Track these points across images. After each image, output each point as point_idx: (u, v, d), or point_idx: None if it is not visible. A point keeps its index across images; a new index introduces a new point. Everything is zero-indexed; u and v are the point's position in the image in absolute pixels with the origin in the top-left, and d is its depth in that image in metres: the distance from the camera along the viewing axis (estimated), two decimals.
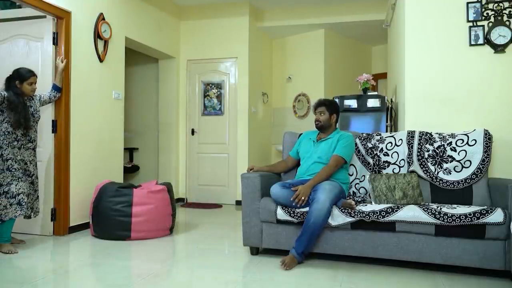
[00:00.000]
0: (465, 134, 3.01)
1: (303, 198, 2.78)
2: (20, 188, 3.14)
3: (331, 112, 3.15)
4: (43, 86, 3.65)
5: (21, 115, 3.19)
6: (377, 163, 3.16)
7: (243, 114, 5.54)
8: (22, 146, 3.25)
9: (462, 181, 2.91)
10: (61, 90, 3.57)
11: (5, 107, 3.14)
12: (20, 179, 3.16)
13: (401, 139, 3.15)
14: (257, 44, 5.82)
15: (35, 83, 3.31)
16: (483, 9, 3.18)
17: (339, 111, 3.26)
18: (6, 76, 3.22)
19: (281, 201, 2.87)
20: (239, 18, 5.53)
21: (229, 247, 3.37)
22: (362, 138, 3.28)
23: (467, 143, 2.96)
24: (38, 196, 3.41)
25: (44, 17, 3.65)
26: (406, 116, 3.38)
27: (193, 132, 5.72)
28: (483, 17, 3.18)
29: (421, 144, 3.07)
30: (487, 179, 2.92)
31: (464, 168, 2.93)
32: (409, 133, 3.15)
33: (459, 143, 2.99)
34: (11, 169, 3.13)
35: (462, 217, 2.50)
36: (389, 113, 4.02)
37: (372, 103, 4.03)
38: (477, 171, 2.89)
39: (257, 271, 2.69)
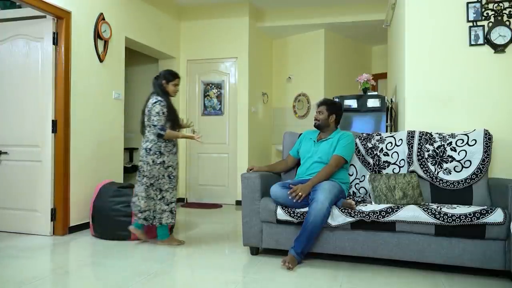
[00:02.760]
0: (465, 134, 3.01)
1: (300, 194, 2.78)
2: (173, 197, 3.29)
3: (330, 112, 3.15)
4: (43, 86, 3.66)
5: (178, 117, 3.35)
6: (377, 163, 3.16)
7: (243, 114, 5.54)
8: (177, 152, 3.37)
9: (462, 181, 2.91)
10: (161, 136, 3.23)
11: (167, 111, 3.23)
12: (175, 188, 3.31)
13: (401, 139, 3.15)
14: (257, 44, 5.82)
15: (178, 85, 3.39)
16: (483, 9, 3.18)
17: (340, 112, 3.24)
18: (6, 76, 3.22)
19: (281, 201, 2.87)
20: (239, 18, 5.53)
21: (229, 247, 3.37)
22: (362, 138, 3.28)
23: (467, 143, 2.96)
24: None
25: (44, 17, 3.65)
26: (406, 116, 3.38)
27: (193, 132, 5.72)
28: (483, 17, 3.18)
29: (421, 144, 3.07)
30: (487, 179, 2.92)
31: (464, 168, 2.93)
32: (409, 133, 3.15)
33: (459, 143, 2.99)
34: (170, 176, 3.26)
35: (462, 217, 2.50)
36: (389, 113, 4.02)
37: (372, 103, 4.03)
38: (477, 171, 2.89)
39: (257, 271, 2.69)
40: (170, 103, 3.31)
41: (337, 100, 4.08)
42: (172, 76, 3.34)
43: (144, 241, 3.39)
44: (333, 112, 3.16)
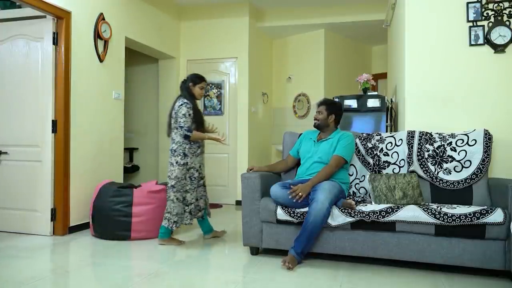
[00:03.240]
0: (465, 134, 3.01)
1: (300, 194, 2.78)
2: (193, 199, 3.37)
3: (329, 112, 3.15)
4: (43, 86, 3.66)
5: (203, 119, 3.43)
6: (377, 163, 3.16)
7: (243, 114, 5.54)
8: (201, 153, 3.45)
9: (462, 181, 2.91)
10: (188, 137, 3.31)
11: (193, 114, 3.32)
12: (195, 189, 3.39)
13: (401, 139, 3.15)
14: (257, 44, 5.82)
15: (204, 89, 3.49)
16: (483, 9, 3.18)
17: (340, 112, 3.23)
18: (6, 76, 3.23)
19: (281, 201, 2.87)
20: (239, 18, 5.53)
21: (229, 247, 3.37)
22: (362, 138, 3.28)
23: (467, 143, 2.96)
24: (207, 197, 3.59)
25: (44, 17, 3.65)
26: (406, 116, 3.38)
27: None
28: (483, 17, 3.18)
29: (421, 144, 3.07)
30: (487, 179, 2.92)
31: (464, 168, 2.93)
32: (409, 133, 3.15)
33: (459, 143, 2.99)
34: (192, 177, 3.36)
35: (462, 217, 2.50)
36: (389, 113, 4.02)
37: (372, 103, 4.03)
38: (477, 171, 2.89)
39: (257, 271, 2.69)
40: (196, 105, 3.40)
41: (337, 100, 4.08)
42: (198, 79, 3.44)
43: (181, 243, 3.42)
44: (333, 112, 3.16)
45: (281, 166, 3.35)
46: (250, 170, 3.19)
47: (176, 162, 3.30)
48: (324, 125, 3.16)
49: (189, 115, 3.28)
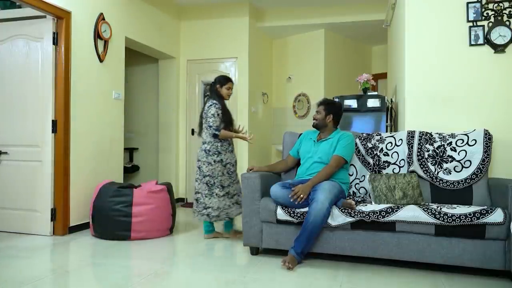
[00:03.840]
0: (465, 134, 3.01)
1: (301, 195, 2.78)
2: (235, 190, 3.59)
3: (327, 112, 3.15)
4: (43, 86, 3.66)
5: (231, 119, 3.63)
6: (377, 163, 3.16)
7: (243, 114, 5.54)
8: (233, 150, 3.66)
9: (462, 181, 2.91)
10: (217, 136, 3.49)
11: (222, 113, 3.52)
12: (235, 181, 3.61)
13: (401, 139, 3.15)
14: (257, 44, 5.82)
15: (231, 89, 3.68)
16: (483, 9, 3.18)
17: (339, 112, 3.23)
18: (6, 76, 3.23)
19: (281, 201, 2.87)
20: (239, 18, 5.53)
21: (229, 247, 3.37)
22: (362, 138, 3.28)
23: (467, 143, 2.96)
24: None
25: (44, 17, 3.65)
26: (406, 116, 3.38)
27: (193, 132, 5.72)
28: (483, 17, 3.18)
29: (421, 144, 3.07)
30: (487, 179, 2.92)
31: (464, 168, 2.93)
32: (409, 133, 3.15)
33: (459, 143, 2.99)
34: (229, 172, 3.57)
35: (462, 217, 2.50)
36: (389, 113, 4.02)
37: (372, 103, 4.03)
38: (477, 171, 2.89)
39: (257, 271, 2.69)
40: (225, 105, 3.59)
41: (337, 100, 4.08)
42: (225, 80, 3.64)
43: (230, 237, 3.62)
44: (331, 112, 3.16)
45: (281, 166, 3.35)
46: (250, 170, 3.19)
47: (214, 161, 3.49)
48: (322, 125, 3.16)
49: (218, 115, 3.47)
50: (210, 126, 3.46)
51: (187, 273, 2.72)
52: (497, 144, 3.08)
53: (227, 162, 3.54)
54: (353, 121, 4.13)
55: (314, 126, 3.22)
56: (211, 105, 3.49)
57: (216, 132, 3.45)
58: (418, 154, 3.04)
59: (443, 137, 3.05)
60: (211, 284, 2.46)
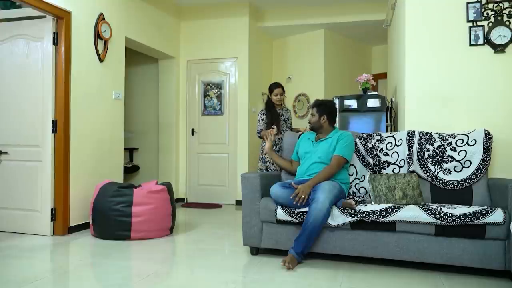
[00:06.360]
0: (465, 134, 3.01)
1: (303, 196, 2.78)
2: None
3: (320, 113, 3.14)
4: (43, 86, 3.66)
5: (274, 119, 4.11)
6: (377, 163, 3.16)
7: (243, 114, 5.54)
8: (280, 149, 3.97)
9: (462, 181, 2.91)
10: (260, 137, 4.18)
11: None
12: None
13: (401, 139, 3.15)
14: (257, 44, 5.82)
15: (280, 94, 4.19)
16: (483, 9, 3.18)
17: (332, 111, 3.19)
18: (6, 76, 3.23)
19: (281, 201, 2.87)
20: (239, 18, 5.53)
21: (229, 247, 3.37)
22: (362, 138, 3.28)
23: (467, 143, 2.96)
24: None
25: (44, 17, 3.65)
26: (406, 116, 3.38)
27: (193, 132, 5.72)
28: (483, 17, 3.18)
29: (421, 144, 3.07)
30: (487, 179, 2.92)
31: (464, 168, 2.93)
32: (409, 133, 3.15)
33: (459, 143, 2.99)
34: (268, 169, 4.11)
35: (462, 217, 2.50)
36: (389, 113, 4.02)
37: (372, 103, 4.03)
38: (477, 171, 2.89)
39: (257, 271, 2.69)
40: (273, 112, 4.13)
41: (336, 99, 4.09)
42: (271, 87, 4.23)
43: None
44: (324, 113, 3.14)
45: (287, 164, 3.32)
46: (272, 129, 3.54)
47: (260, 158, 4.22)
48: (318, 127, 3.16)
49: (262, 120, 4.15)
50: (257, 130, 4.19)
51: (187, 273, 2.72)
52: (497, 144, 3.08)
53: (266, 160, 4.14)
54: (353, 121, 4.13)
55: (310, 129, 3.23)
56: (259, 112, 4.20)
57: (258, 134, 4.15)
58: (418, 154, 3.04)
59: (443, 137, 3.05)
60: (211, 284, 2.46)
